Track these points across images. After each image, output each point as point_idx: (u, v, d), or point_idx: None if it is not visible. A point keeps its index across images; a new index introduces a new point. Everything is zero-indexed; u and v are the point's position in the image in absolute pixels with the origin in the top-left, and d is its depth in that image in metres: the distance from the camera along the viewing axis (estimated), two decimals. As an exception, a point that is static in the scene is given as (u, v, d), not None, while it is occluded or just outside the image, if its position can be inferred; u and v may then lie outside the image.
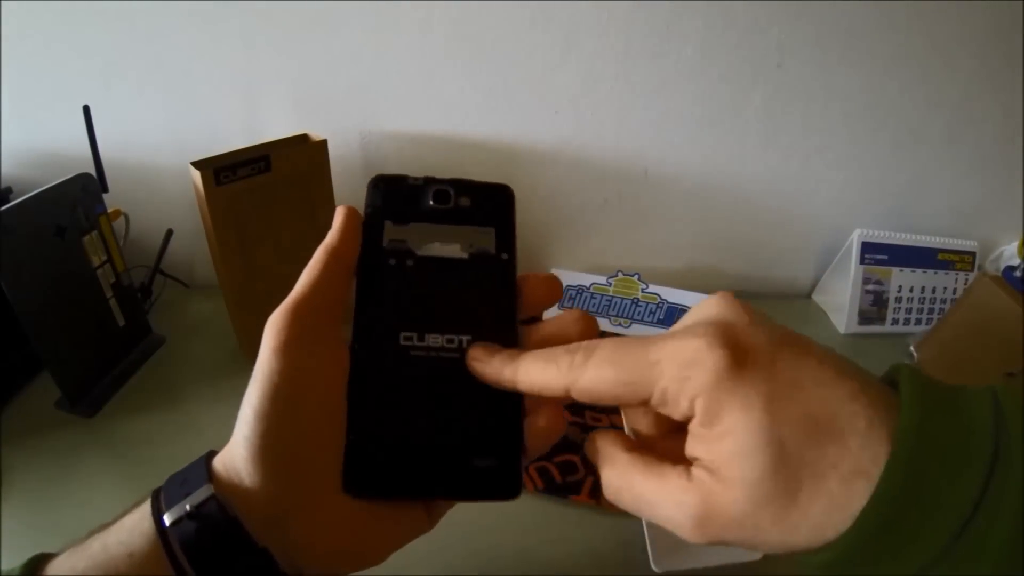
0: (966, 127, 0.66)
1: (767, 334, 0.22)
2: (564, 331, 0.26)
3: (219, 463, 0.26)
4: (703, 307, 0.24)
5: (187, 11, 0.58)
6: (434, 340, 0.26)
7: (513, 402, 0.26)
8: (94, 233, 0.54)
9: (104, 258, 0.56)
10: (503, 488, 0.25)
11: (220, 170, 0.50)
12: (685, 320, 0.25)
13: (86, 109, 0.54)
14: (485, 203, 0.29)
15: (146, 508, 0.26)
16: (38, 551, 0.43)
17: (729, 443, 0.21)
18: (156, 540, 0.24)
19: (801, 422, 0.20)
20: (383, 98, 0.63)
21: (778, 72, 0.62)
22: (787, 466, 0.20)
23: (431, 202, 0.28)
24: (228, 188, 0.51)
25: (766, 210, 0.71)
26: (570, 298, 0.67)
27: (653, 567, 0.41)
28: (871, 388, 0.21)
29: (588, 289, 0.67)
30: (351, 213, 0.27)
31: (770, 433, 0.20)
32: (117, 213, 0.61)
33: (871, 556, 0.20)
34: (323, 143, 0.57)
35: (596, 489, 0.47)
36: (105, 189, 0.56)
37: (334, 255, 0.26)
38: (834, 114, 0.65)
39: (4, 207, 0.46)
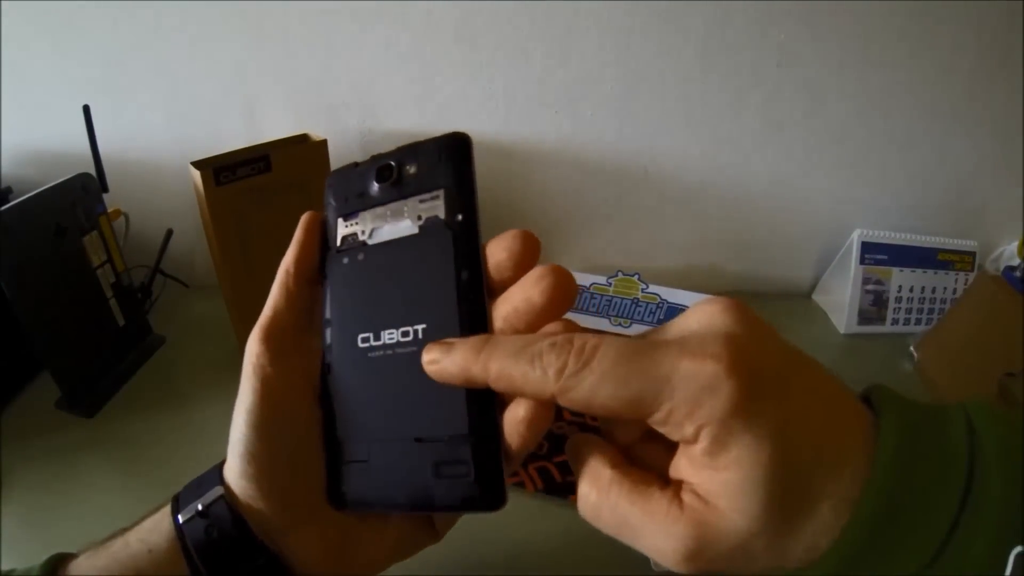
0: (966, 127, 0.66)
1: (781, 355, 0.21)
2: (528, 302, 0.22)
3: (226, 471, 0.27)
4: (709, 313, 0.22)
5: (187, 11, 0.58)
6: (389, 336, 0.24)
7: (485, 400, 0.22)
8: (94, 233, 0.54)
9: (104, 258, 0.56)
10: (484, 498, 0.22)
11: (220, 170, 0.50)
12: (688, 321, 0.22)
13: (86, 109, 0.54)
14: (433, 164, 0.25)
15: (166, 509, 0.27)
16: (38, 551, 0.43)
17: (732, 474, 0.20)
18: (174, 538, 0.26)
19: (808, 452, 0.20)
20: (383, 98, 0.63)
21: (778, 72, 0.62)
22: (790, 497, 0.20)
23: (375, 182, 0.26)
24: (228, 188, 0.51)
25: (766, 210, 0.71)
26: (570, 298, 0.67)
27: (653, 567, 0.41)
28: (862, 411, 0.21)
29: (588, 289, 0.67)
30: (307, 223, 0.27)
31: (778, 466, 0.19)
32: (117, 213, 0.61)
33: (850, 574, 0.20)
34: (323, 143, 0.57)
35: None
36: (105, 189, 0.56)
37: (286, 272, 0.27)
38: (834, 114, 0.65)
39: (4, 207, 0.46)
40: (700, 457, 0.20)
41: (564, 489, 0.47)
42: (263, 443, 0.25)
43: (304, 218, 0.27)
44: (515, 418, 0.22)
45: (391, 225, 0.25)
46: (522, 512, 0.45)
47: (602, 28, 0.59)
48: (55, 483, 0.47)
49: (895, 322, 0.70)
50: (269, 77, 0.62)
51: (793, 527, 0.20)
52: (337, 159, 0.58)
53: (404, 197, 0.25)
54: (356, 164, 0.27)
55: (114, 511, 0.45)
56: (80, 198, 0.53)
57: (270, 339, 0.26)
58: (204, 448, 0.50)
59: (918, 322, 0.70)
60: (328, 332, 0.26)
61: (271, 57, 0.61)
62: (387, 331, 0.24)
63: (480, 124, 0.64)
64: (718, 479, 0.20)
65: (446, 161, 0.25)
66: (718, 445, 0.20)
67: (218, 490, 0.26)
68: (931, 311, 0.71)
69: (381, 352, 0.24)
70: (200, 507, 0.26)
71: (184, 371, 0.59)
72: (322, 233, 0.27)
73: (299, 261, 0.27)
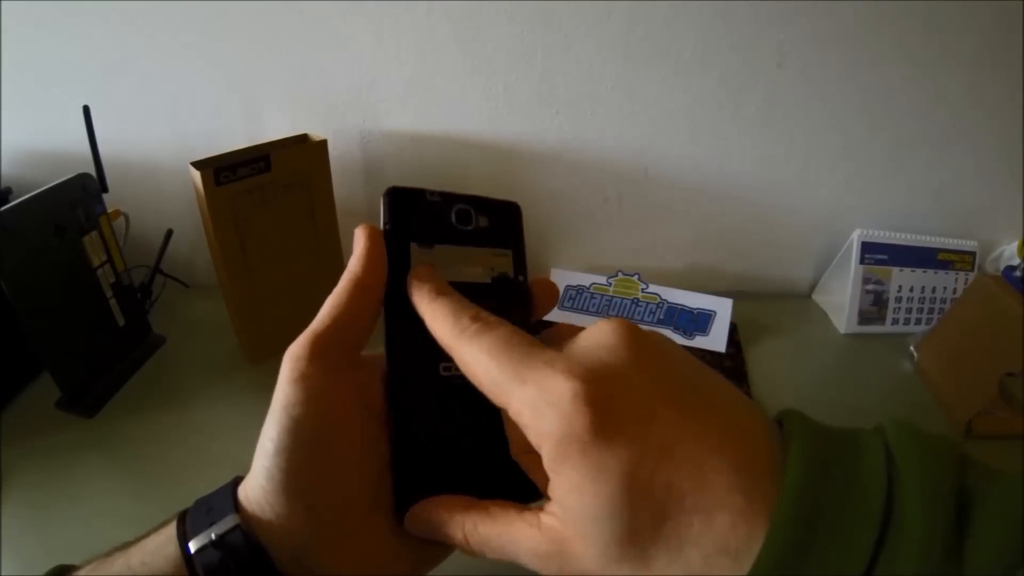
0: (966, 127, 0.66)
1: (653, 388, 0.21)
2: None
3: (242, 493, 0.25)
4: (601, 332, 0.22)
5: (187, 11, 0.58)
6: None
7: None
8: (94, 233, 0.54)
9: (104, 258, 0.56)
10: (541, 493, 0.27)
11: (220, 170, 0.50)
12: (581, 338, 0.23)
13: (86, 109, 0.54)
14: (500, 222, 0.29)
15: (171, 531, 0.25)
16: (38, 551, 0.43)
17: (576, 500, 0.20)
18: (181, 564, 0.24)
19: (662, 493, 0.19)
20: (383, 98, 0.63)
21: (778, 72, 0.62)
22: (639, 536, 0.19)
23: (454, 221, 0.28)
24: (228, 188, 0.51)
25: (766, 210, 0.71)
26: (570, 298, 0.67)
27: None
28: (760, 455, 0.20)
29: (588, 289, 0.67)
30: (374, 236, 0.25)
31: (623, 504, 0.19)
32: (117, 213, 0.61)
33: None
34: (323, 143, 0.57)
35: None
36: (105, 189, 0.56)
37: (360, 286, 0.25)
38: (834, 114, 0.65)
39: (4, 207, 0.46)
40: (548, 470, 0.21)
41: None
42: (311, 458, 0.24)
43: (367, 230, 0.25)
44: None
45: (467, 267, 0.28)
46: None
47: (602, 28, 0.59)
48: (55, 483, 0.47)
49: (895, 322, 0.70)
50: (269, 77, 0.62)
51: (652, 565, 0.19)
52: (337, 159, 0.58)
53: (477, 245, 0.28)
54: (424, 191, 0.27)
55: (114, 511, 0.45)
56: (80, 198, 0.53)
57: (325, 350, 0.24)
58: (204, 448, 0.50)
59: (918, 322, 0.70)
60: (404, 355, 0.26)
61: (271, 57, 0.61)
62: None
63: (480, 124, 0.64)
64: (566, 501, 0.20)
65: (512, 225, 0.29)
66: (556, 464, 0.20)
67: (233, 518, 0.24)
68: (931, 311, 0.71)
69: (463, 381, 0.25)
70: (214, 536, 0.24)
71: (184, 371, 0.59)
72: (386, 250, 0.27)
73: (370, 272, 0.25)
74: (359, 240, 0.25)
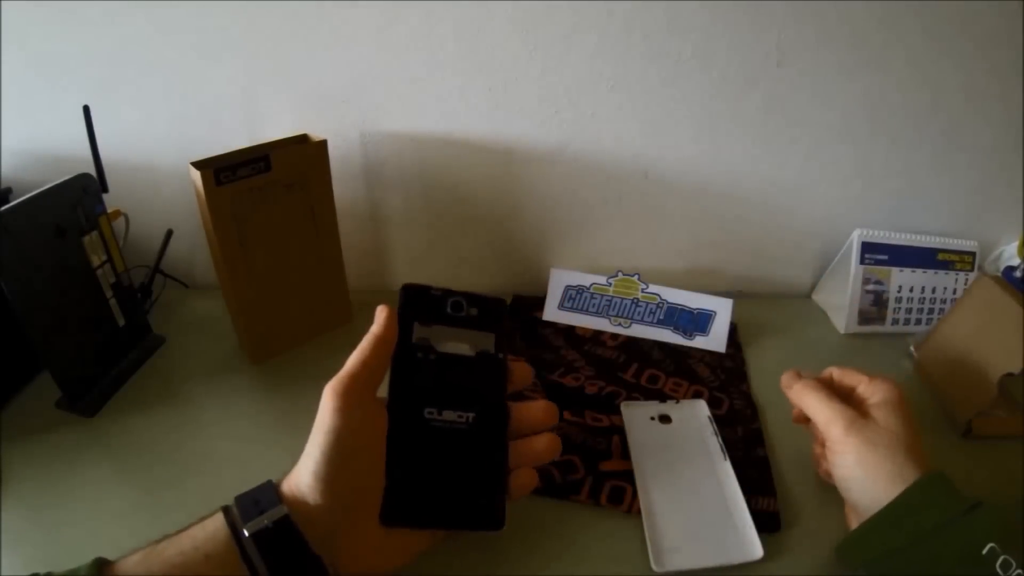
0: (966, 127, 0.66)
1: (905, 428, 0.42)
2: (534, 417, 0.39)
3: (286, 488, 0.34)
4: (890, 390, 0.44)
5: (187, 11, 0.58)
6: (448, 414, 0.36)
7: (502, 460, 0.37)
8: (94, 233, 0.54)
9: (104, 258, 0.56)
10: (493, 521, 0.36)
11: (220, 170, 0.50)
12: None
13: (86, 109, 0.54)
14: (487, 313, 0.38)
15: (218, 521, 0.32)
16: (39, 550, 0.43)
17: (885, 414, 0.41)
18: (231, 546, 0.31)
19: (903, 441, 0.40)
20: (383, 98, 0.63)
21: (778, 72, 0.62)
22: (902, 442, 0.39)
23: (448, 310, 0.38)
24: (228, 188, 0.51)
25: (766, 210, 0.71)
26: (570, 298, 0.67)
27: (653, 567, 0.41)
28: (913, 467, 0.39)
29: (588, 289, 0.67)
30: (391, 313, 0.37)
31: (899, 428, 0.40)
32: (117, 213, 0.61)
33: (900, 519, 0.37)
34: (323, 143, 0.57)
35: (595, 489, 0.47)
36: (105, 189, 0.56)
37: (380, 342, 0.36)
38: (834, 114, 0.65)
39: (4, 207, 0.46)
40: (874, 409, 0.42)
41: (564, 489, 0.47)
42: (345, 465, 0.33)
43: (386, 308, 0.37)
44: (517, 480, 0.37)
45: (455, 343, 0.38)
46: (522, 512, 0.45)
47: (602, 28, 0.59)
48: (55, 483, 0.47)
49: (895, 322, 0.70)
50: (269, 77, 0.62)
51: (903, 458, 0.39)
52: (337, 159, 0.58)
53: (466, 327, 0.38)
54: (430, 287, 0.38)
55: (114, 510, 0.45)
56: (80, 198, 0.53)
57: (355, 386, 0.34)
58: (203, 448, 0.51)
59: (918, 322, 0.70)
60: (400, 398, 0.36)
61: (271, 57, 0.61)
62: (447, 411, 0.36)
63: (480, 123, 0.64)
64: (879, 415, 0.41)
65: (496, 315, 0.39)
66: (886, 405, 0.42)
67: (282, 508, 0.32)
68: (931, 311, 0.71)
69: (441, 424, 0.36)
70: (267, 523, 0.31)
71: (184, 371, 0.59)
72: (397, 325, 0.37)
73: (388, 335, 0.36)
74: (379, 315, 0.37)
